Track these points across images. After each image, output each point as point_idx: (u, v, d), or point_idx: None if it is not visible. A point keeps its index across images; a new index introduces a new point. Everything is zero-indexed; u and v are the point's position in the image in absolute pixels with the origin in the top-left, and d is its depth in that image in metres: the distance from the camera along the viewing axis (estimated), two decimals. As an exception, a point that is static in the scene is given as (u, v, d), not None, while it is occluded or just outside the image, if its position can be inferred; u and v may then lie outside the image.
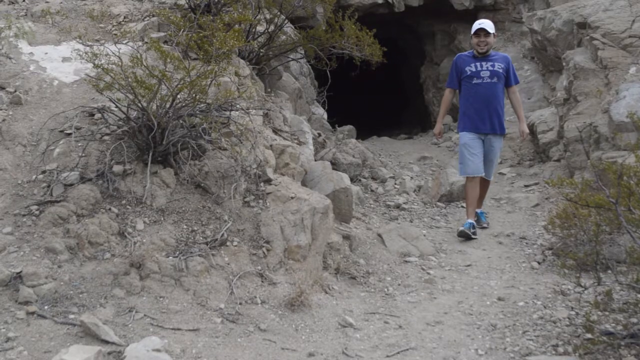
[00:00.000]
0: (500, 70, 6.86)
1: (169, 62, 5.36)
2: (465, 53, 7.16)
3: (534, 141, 10.14)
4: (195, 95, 5.31)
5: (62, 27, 7.02)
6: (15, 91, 6.07)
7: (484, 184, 7.16)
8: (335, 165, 8.13)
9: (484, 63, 6.87)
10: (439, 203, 8.10)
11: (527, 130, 7.13)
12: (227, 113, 5.81)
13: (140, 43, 6.78)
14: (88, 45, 5.66)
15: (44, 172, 5.26)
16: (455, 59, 7.10)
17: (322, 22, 9.06)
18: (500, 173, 9.60)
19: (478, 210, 7.20)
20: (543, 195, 8.13)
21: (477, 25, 6.88)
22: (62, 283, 4.47)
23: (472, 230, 6.75)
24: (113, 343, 4.02)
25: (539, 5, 13.10)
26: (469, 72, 6.90)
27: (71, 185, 5.11)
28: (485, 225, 7.22)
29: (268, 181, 5.78)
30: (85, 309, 4.33)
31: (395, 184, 8.60)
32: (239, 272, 4.97)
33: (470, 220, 6.85)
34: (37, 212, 4.91)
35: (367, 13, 13.42)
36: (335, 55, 8.34)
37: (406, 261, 6.12)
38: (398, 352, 4.36)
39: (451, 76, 7.10)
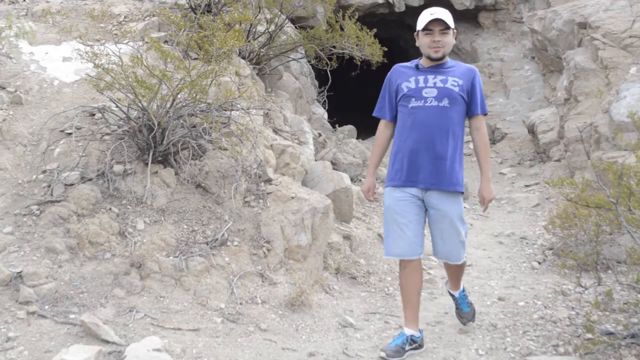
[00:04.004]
0: (456, 89, 4.21)
1: (169, 61, 5.37)
2: (405, 64, 4.47)
3: (534, 141, 10.15)
4: (196, 95, 5.31)
5: (63, 26, 7.01)
6: (15, 91, 6.07)
7: (454, 266, 4.51)
8: (336, 165, 8.13)
9: (430, 77, 4.26)
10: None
11: (490, 196, 4.35)
12: (228, 113, 5.81)
13: (140, 43, 6.79)
14: (88, 45, 5.66)
15: (44, 171, 5.26)
16: (390, 72, 4.49)
17: (323, 21, 9.05)
18: (500, 173, 9.61)
19: (454, 294, 4.75)
20: (543, 195, 8.14)
21: (427, 16, 4.21)
22: (62, 283, 4.47)
23: (405, 348, 4.26)
24: (113, 343, 4.02)
25: (540, 5, 13.11)
26: (405, 90, 4.29)
27: (72, 185, 5.11)
28: (466, 317, 4.76)
29: (268, 181, 5.78)
30: (86, 309, 4.33)
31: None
32: (239, 272, 4.97)
33: (406, 332, 4.31)
34: (38, 212, 4.91)
35: (368, 13, 13.42)
36: (335, 55, 8.34)
37: (406, 261, 6.11)
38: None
39: (381, 98, 4.48)
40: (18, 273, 4.42)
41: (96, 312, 4.31)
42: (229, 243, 5.12)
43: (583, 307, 4.84)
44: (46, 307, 4.29)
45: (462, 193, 4.30)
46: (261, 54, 8.19)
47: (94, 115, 5.84)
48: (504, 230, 7.09)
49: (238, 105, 5.93)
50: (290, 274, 5.17)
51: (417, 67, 4.32)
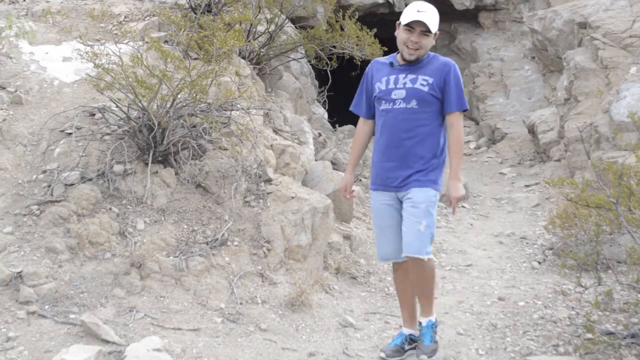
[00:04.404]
0: (425, 89, 3.96)
1: (169, 61, 5.37)
2: (383, 59, 4.28)
3: (534, 141, 10.15)
4: (196, 95, 5.31)
5: (63, 26, 7.01)
6: (15, 91, 6.07)
7: (414, 266, 4.00)
8: (336, 165, 8.13)
9: (401, 76, 4.03)
10: (439, 203, 8.08)
11: (457, 194, 3.99)
12: (228, 113, 5.81)
13: (140, 43, 6.78)
14: (89, 45, 5.66)
15: (44, 171, 5.26)
16: (368, 66, 4.29)
17: (323, 21, 9.06)
18: (500, 173, 9.61)
19: (422, 321, 4.15)
20: (543, 195, 8.14)
21: (414, 13, 3.97)
22: (62, 283, 4.47)
23: (405, 348, 4.20)
24: (113, 343, 4.02)
25: (540, 5, 13.11)
26: (377, 92, 4.11)
27: (72, 185, 5.11)
28: (423, 351, 4.08)
29: (268, 181, 5.78)
30: (86, 309, 4.33)
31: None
32: (239, 271, 4.97)
33: (405, 332, 4.26)
34: (38, 212, 4.91)
35: (368, 13, 13.42)
36: (335, 55, 8.34)
37: (407, 261, 6.11)
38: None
39: (358, 94, 4.30)
40: (18, 273, 4.42)
41: (96, 312, 4.31)
42: (229, 243, 5.12)
43: (583, 307, 4.84)
44: (46, 307, 4.29)
45: (437, 191, 4.04)
46: (261, 54, 8.18)
47: (94, 115, 5.83)
48: (504, 230, 7.09)
49: (238, 105, 5.93)
50: (290, 274, 5.17)
51: (391, 64, 4.10)
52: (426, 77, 3.98)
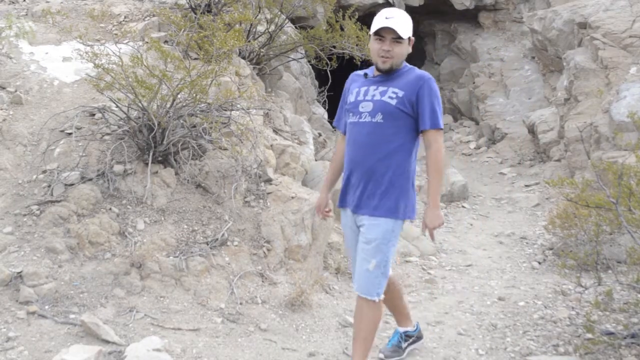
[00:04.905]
0: (393, 102, 3.65)
1: (169, 61, 5.37)
2: (360, 71, 3.96)
3: (534, 141, 10.15)
4: (196, 95, 5.31)
5: (63, 26, 7.01)
6: (15, 91, 6.07)
7: (361, 304, 3.76)
8: (336, 165, 8.11)
9: (372, 88, 3.75)
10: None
11: (432, 224, 3.60)
12: (228, 113, 5.82)
13: (140, 43, 6.79)
14: (88, 45, 5.66)
15: (44, 171, 5.26)
16: (348, 79, 4.05)
17: (323, 21, 9.05)
18: (500, 173, 9.61)
19: None
20: (543, 195, 8.14)
21: (382, 20, 3.66)
22: (62, 283, 4.47)
23: (403, 346, 4.22)
24: (114, 343, 4.02)
25: (540, 5, 13.11)
26: (347, 104, 3.89)
27: (72, 185, 5.11)
28: None
29: (268, 181, 5.78)
30: (86, 309, 4.33)
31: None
32: (239, 272, 4.97)
33: (399, 329, 4.25)
34: (38, 212, 4.91)
35: (368, 13, 13.42)
36: (335, 55, 8.34)
37: (407, 261, 6.13)
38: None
39: (339, 108, 4.08)
40: (18, 273, 4.42)
41: (96, 312, 4.31)
42: (229, 243, 5.12)
43: (583, 307, 4.84)
44: (46, 307, 4.30)
45: (397, 220, 3.67)
46: (261, 54, 8.19)
47: (94, 115, 5.84)
48: (504, 230, 7.09)
49: (238, 105, 5.93)
50: (290, 274, 5.17)
51: (365, 75, 3.83)
52: (396, 90, 3.66)
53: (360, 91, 3.79)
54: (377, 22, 3.64)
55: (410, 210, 3.72)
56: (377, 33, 3.65)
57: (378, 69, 3.74)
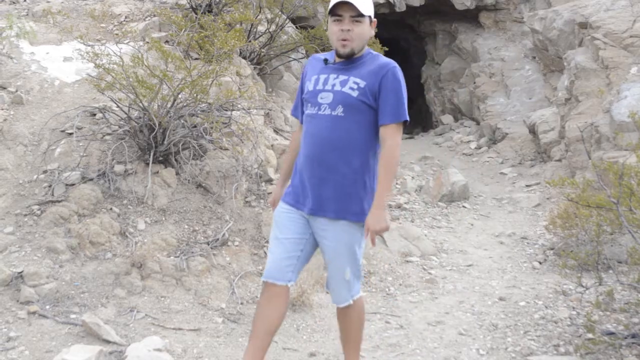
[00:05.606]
0: (354, 93, 3.27)
1: (170, 62, 5.37)
2: (321, 55, 3.56)
3: (535, 141, 10.15)
4: (197, 95, 5.32)
5: (64, 26, 7.02)
6: (16, 91, 6.08)
7: (343, 312, 3.59)
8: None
9: (332, 76, 3.36)
10: (440, 203, 8.09)
11: (375, 227, 3.21)
12: (229, 113, 5.82)
13: (141, 43, 6.79)
14: (89, 45, 5.67)
15: (45, 171, 5.26)
16: (306, 63, 3.66)
17: (324, 21, 9.05)
18: (501, 173, 9.60)
19: None
20: (544, 195, 8.13)
21: None
22: (63, 283, 4.47)
23: None
24: (114, 343, 4.02)
25: (541, 5, 13.11)
26: (304, 93, 3.47)
27: (72, 185, 5.11)
28: None
29: (269, 181, 5.78)
30: (87, 309, 4.33)
31: (397, 183, 8.59)
32: (240, 271, 4.97)
33: None
34: (39, 212, 4.91)
35: (368, 13, 13.42)
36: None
37: (407, 261, 6.12)
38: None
39: (297, 95, 3.65)
40: (19, 273, 4.43)
41: (97, 312, 4.31)
42: (229, 243, 5.12)
43: (584, 307, 4.83)
44: (47, 307, 4.30)
45: (362, 223, 3.32)
46: (262, 54, 8.19)
47: (94, 115, 5.84)
48: (504, 230, 7.08)
49: (239, 105, 5.94)
50: (291, 274, 5.16)
51: (325, 61, 3.42)
52: (358, 80, 3.29)
53: (319, 79, 3.38)
54: (333, 0, 3.27)
55: None
56: (334, 12, 3.26)
57: (338, 55, 3.35)
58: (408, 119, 3.32)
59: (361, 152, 3.32)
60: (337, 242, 3.37)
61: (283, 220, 3.44)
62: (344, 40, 3.27)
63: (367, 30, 3.33)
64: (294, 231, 3.40)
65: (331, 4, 3.26)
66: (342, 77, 3.32)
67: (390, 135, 3.27)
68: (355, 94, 3.27)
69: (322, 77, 3.38)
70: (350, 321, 3.57)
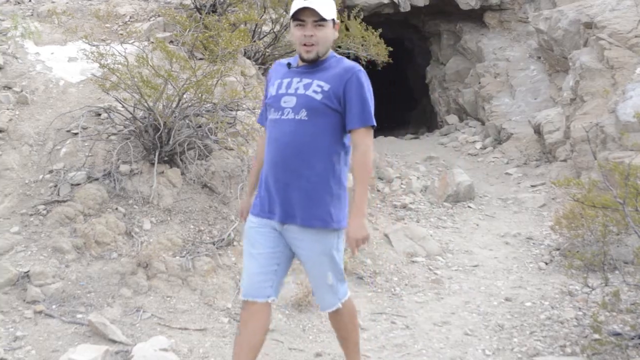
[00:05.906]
0: (318, 97, 3.23)
1: (175, 62, 5.38)
2: (284, 60, 3.52)
3: (540, 141, 10.13)
4: (202, 95, 5.32)
5: (68, 27, 7.03)
6: (21, 91, 6.09)
7: (334, 316, 3.56)
8: (341, 165, 8.11)
9: (296, 80, 3.32)
10: (445, 203, 8.08)
11: (356, 235, 3.16)
12: (234, 113, 5.82)
13: (146, 43, 6.79)
14: (94, 45, 5.67)
15: (50, 171, 5.27)
16: (270, 69, 3.63)
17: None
18: (506, 173, 9.58)
19: None
20: (550, 196, 8.11)
21: (300, 1, 3.23)
22: (69, 282, 4.48)
23: None
24: (120, 342, 4.03)
25: (546, 5, 13.08)
26: (267, 98, 3.44)
27: (78, 184, 5.12)
28: None
29: (274, 181, 5.77)
30: (93, 309, 4.34)
31: (402, 184, 8.58)
32: (245, 272, 4.96)
33: None
34: (44, 212, 4.92)
35: (373, 13, 13.41)
36: (341, 55, 8.33)
37: (413, 261, 6.11)
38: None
39: (263, 103, 3.60)
40: (25, 272, 4.44)
41: (103, 311, 4.31)
42: (235, 243, 5.13)
43: (590, 307, 4.82)
44: (53, 306, 4.31)
45: (336, 229, 3.30)
46: (266, 54, 8.19)
47: (100, 115, 5.85)
48: (510, 231, 7.06)
49: (244, 105, 5.94)
50: (296, 274, 5.16)
51: (289, 65, 3.38)
52: (322, 83, 3.24)
53: (282, 83, 3.33)
54: (295, 4, 3.23)
55: (344, 218, 3.31)
56: (297, 17, 3.22)
57: (302, 59, 3.31)
58: (375, 123, 3.26)
59: (325, 157, 3.25)
60: (312, 252, 3.32)
61: (254, 235, 3.36)
62: (308, 45, 3.24)
63: (330, 33, 3.29)
64: (265, 245, 3.33)
65: (293, 9, 3.23)
66: (306, 81, 3.28)
67: (361, 138, 3.23)
68: (319, 97, 3.22)
69: (286, 81, 3.33)
70: (343, 323, 3.54)
